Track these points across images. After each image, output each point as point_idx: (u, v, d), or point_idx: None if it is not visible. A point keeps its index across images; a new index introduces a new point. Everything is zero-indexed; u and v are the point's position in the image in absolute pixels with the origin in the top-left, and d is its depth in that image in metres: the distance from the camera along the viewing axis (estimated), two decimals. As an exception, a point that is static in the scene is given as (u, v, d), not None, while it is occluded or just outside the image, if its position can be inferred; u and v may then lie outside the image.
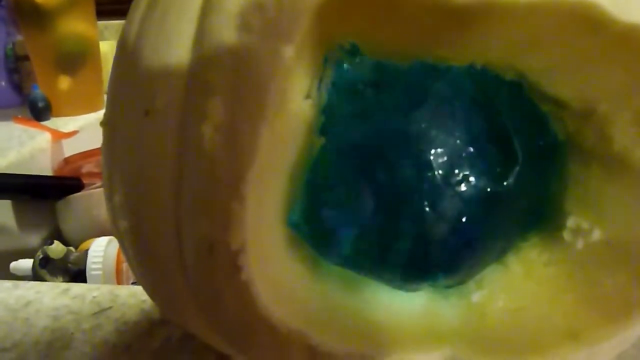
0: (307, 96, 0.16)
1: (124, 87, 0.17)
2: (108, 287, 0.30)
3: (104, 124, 0.18)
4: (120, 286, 0.30)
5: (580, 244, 0.18)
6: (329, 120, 0.17)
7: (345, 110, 0.17)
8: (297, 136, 0.16)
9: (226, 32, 0.14)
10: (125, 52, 0.17)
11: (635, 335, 0.17)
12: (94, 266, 0.42)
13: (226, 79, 0.14)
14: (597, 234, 0.17)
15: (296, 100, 0.16)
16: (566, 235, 0.18)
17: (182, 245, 0.16)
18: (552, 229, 0.19)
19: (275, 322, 0.15)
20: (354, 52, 0.17)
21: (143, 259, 0.18)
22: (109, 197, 0.18)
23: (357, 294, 0.18)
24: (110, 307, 0.28)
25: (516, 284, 0.18)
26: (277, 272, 0.16)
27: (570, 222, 0.18)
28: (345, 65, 0.17)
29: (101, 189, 0.38)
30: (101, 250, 0.43)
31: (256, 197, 0.15)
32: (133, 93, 0.16)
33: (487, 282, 0.18)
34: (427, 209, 0.17)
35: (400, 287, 0.18)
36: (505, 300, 0.18)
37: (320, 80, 0.17)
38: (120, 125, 0.17)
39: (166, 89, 0.16)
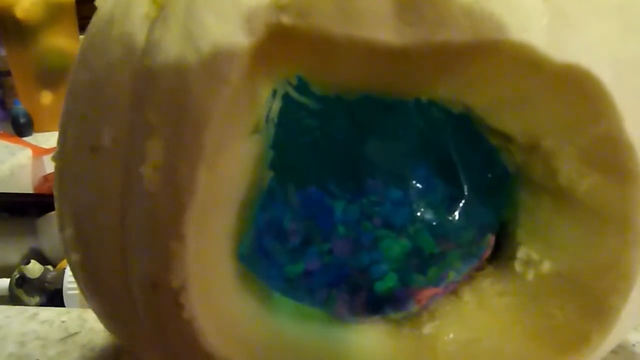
0: (255, 131, 0.16)
1: (73, 121, 0.17)
2: (77, 311, 0.30)
3: (54, 158, 0.18)
4: (88, 310, 0.30)
5: (531, 274, 0.18)
6: (277, 154, 0.17)
7: (293, 143, 0.17)
8: (244, 173, 0.16)
9: (165, 72, 0.14)
10: (75, 84, 0.17)
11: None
12: (70, 285, 0.42)
13: (165, 119, 0.14)
14: (547, 265, 0.17)
15: (240, 137, 0.16)
16: (517, 265, 0.18)
17: (129, 280, 0.16)
18: (505, 259, 0.19)
19: (219, 358, 0.15)
20: (301, 86, 0.17)
21: (94, 292, 0.18)
22: (61, 229, 0.18)
23: (308, 329, 0.18)
24: (77, 333, 0.28)
25: (469, 315, 0.18)
26: (224, 308, 0.16)
27: (521, 252, 0.18)
28: (292, 99, 0.17)
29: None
30: (78, 269, 0.43)
31: (198, 235, 0.15)
32: (80, 128, 0.16)
33: (439, 313, 0.18)
34: (375, 241, 0.17)
35: (351, 321, 0.18)
36: (456, 332, 0.18)
37: (268, 115, 0.17)
38: (69, 160, 0.17)
39: (111, 126, 0.16)
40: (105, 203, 0.16)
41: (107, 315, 0.18)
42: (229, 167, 0.15)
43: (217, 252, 0.16)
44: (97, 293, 0.18)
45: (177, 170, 0.14)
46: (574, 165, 0.16)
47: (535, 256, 0.18)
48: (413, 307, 0.18)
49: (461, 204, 0.17)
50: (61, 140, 0.18)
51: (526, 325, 0.17)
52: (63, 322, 0.29)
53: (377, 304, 0.18)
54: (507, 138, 0.17)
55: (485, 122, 0.17)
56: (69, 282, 0.42)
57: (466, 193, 0.17)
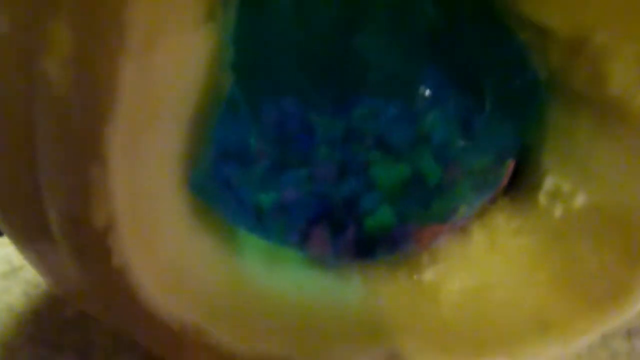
0: (208, 18, 0.12)
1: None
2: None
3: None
4: None
5: (558, 210, 0.14)
6: (240, 52, 0.13)
7: (262, 37, 0.13)
8: (194, 75, 0.12)
9: None
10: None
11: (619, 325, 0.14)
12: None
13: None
14: (580, 199, 0.14)
15: (185, 26, 0.11)
16: (542, 198, 0.15)
17: (46, 215, 0.12)
18: (525, 190, 0.15)
19: (163, 315, 0.12)
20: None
21: (13, 233, 0.14)
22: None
23: (281, 275, 0.14)
24: (22, 267, 0.24)
25: (479, 258, 0.15)
26: (170, 252, 0.12)
27: (548, 182, 0.14)
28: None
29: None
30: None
31: (127, 157, 0.11)
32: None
33: (443, 254, 0.15)
34: (366, 166, 0.13)
35: (335, 265, 0.15)
36: (463, 279, 0.15)
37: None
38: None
39: (8, 5, 0.11)
40: (7, 111, 0.12)
41: (30, 260, 0.15)
42: (170, 66, 0.11)
43: (157, 180, 0.12)
44: (14, 232, 0.14)
45: (92, 63, 0.10)
46: (631, 70, 0.12)
47: (566, 187, 0.14)
48: (412, 249, 0.14)
49: (479, 120, 0.13)
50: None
51: (549, 271, 0.14)
52: (7, 253, 0.25)
53: (367, 245, 0.14)
54: (542, 31, 0.13)
55: (514, 7, 0.13)
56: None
57: (487, 105, 0.13)
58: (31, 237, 0.14)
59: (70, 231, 0.11)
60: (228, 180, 0.14)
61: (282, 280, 0.14)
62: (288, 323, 0.14)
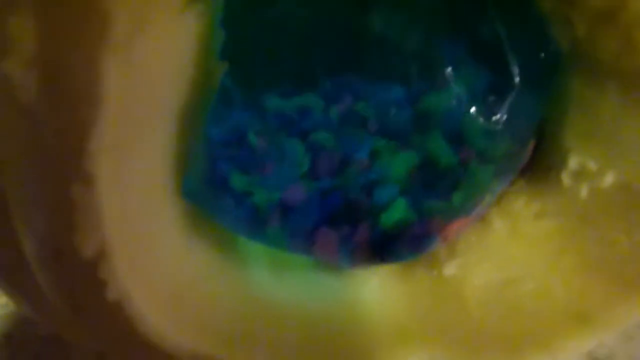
0: (193, 0, 0.10)
1: None
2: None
3: None
4: None
5: (584, 190, 0.13)
6: (232, 36, 0.11)
7: (255, 17, 0.11)
8: (182, 65, 0.10)
9: None
10: None
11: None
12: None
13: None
14: (609, 178, 0.13)
15: (170, 8, 0.09)
16: (565, 178, 0.14)
17: (20, 246, 0.10)
18: (544, 170, 0.14)
19: (170, 347, 0.10)
20: None
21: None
22: None
23: (287, 286, 0.13)
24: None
25: (500, 247, 0.14)
26: (169, 273, 0.11)
27: (572, 161, 0.13)
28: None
29: None
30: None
31: (115, 170, 0.09)
32: None
33: (462, 246, 0.14)
34: (373, 155, 0.12)
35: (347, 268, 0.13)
36: (488, 272, 0.13)
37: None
38: None
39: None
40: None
41: (10, 296, 0.13)
42: (157, 58, 0.10)
43: (150, 192, 0.10)
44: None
45: (66, 63, 0.08)
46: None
47: (592, 165, 0.13)
48: (438, 246, 0.13)
49: (506, 99, 0.12)
50: None
51: (578, 256, 0.13)
52: None
53: (385, 245, 0.13)
54: (569, 0, 0.12)
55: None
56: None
57: (514, 82, 0.12)
58: (3, 269, 0.12)
59: (53, 263, 0.10)
60: (225, 182, 0.12)
61: (292, 288, 0.13)
62: (304, 336, 0.12)
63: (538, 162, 0.14)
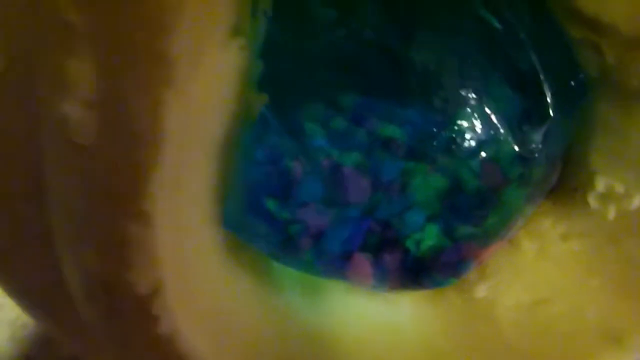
0: (235, 33, 0.10)
1: None
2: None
3: None
4: None
5: (612, 211, 0.14)
6: (270, 67, 0.11)
7: (296, 48, 0.12)
8: (226, 99, 0.10)
9: None
10: None
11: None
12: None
13: (98, 19, 0.08)
14: (637, 200, 0.13)
15: (216, 43, 0.10)
16: (592, 200, 0.14)
17: (65, 281, 0.10)
18: (570, 191, 0.14)
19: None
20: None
21: (17, 297, 0.12)
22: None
23: (321, 310, 0.13)
24: (1, 307, 0.22)
25: (529, 268, 0.14)
26: (215, 304, 0.11)
27: (599, 183, 0.14)
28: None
29: None
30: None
31: (170, 208, 0.09)
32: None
33: (492, 268, 0.14)
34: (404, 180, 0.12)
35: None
36: (517, 293, 0.14)
37: (256, 4, 0.11)
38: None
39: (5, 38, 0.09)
40: (10, 156, 0.10)
41: (40, 319, 0.13)
42: (205, 92, 0.10)
43: (198, 226, 0.10)
44: (21, 298, 0.12)
45: (127, 104, 0.08)
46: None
47: (619, 188, 0.13)
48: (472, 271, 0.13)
49: (542, 126, 0.12)
50: None
51: (606, 276, 0.13)
52: None
53: (420, 271, 0.13)
54: (598, 27, 0.12)
55: (569, 3, 0.12)
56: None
57: (549, 109, 0.12)
58: (40, 295, 0.12)
59: (103, 297, 0.10)
60: (260, 207, 0.12)
61: (326, 312, 0.13)
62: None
63: (564, 183, 0.14)
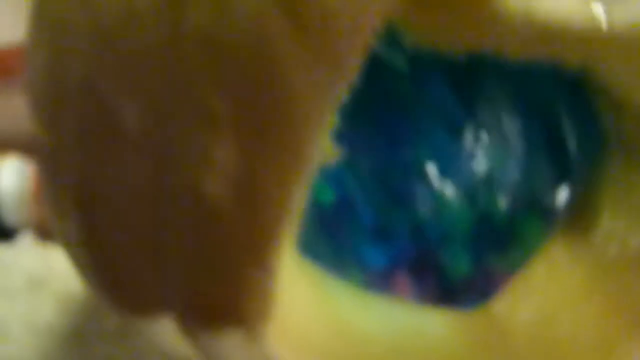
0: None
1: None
2: (38, 251, 0.25)
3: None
4: (53, 250, 0.25)
5: (613, 248, 0.16)
6: (345, 123, 0.13)
7: (368, 110, 0.14)
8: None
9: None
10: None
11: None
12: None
13: (241, 106, 0.10)
14: (636, 242, 0.16)
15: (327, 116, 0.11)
16: (596, 237, 0.16)
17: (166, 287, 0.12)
18: (579, 226, 0.17)
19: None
20: (389, 36, 0.12)
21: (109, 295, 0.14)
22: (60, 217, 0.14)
23: (371, 315, 0.15)
24: (47, 279, 0.24)
25: (539, 289, 0.17)
26: (298, 321, 0.13)
27: (604, 221, 0.16)
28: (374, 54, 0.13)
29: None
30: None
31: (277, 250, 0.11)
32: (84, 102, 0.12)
33: (507, 287, 0.17)
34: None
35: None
36: (529, 310, 0.16)
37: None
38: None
39: (137, 102, 0.11)
40: (127, 205, 0.12)
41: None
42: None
43: (286, 257, 0.13)
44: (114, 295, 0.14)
45: (262, 185, 0.10)
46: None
47: (621, 230, 0.16)
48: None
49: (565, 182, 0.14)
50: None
51: (604, 301, 0.16)
52: (26, 266, 0.24)
53: (452, 294, 0.15)
54: (627, 105, 0.14)
55: (602, 83, 0.14)
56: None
57: (574, 167, 0.14)
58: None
59: (204, 315, 0.12)
60: (333, 232, 0.15)
61: (371, 320, 0.16)
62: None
63: (574, 218, 0.17)
